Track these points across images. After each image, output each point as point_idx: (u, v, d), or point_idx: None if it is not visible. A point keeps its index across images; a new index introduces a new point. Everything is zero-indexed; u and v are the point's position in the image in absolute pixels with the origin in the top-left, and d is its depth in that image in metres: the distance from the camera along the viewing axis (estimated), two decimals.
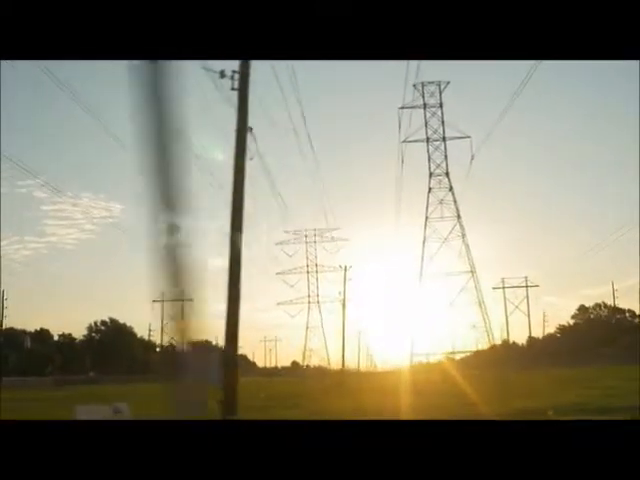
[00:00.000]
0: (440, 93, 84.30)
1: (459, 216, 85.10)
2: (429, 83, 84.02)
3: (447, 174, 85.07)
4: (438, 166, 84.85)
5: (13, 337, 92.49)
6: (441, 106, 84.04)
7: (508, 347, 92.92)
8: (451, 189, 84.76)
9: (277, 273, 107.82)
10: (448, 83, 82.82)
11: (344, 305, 62.21)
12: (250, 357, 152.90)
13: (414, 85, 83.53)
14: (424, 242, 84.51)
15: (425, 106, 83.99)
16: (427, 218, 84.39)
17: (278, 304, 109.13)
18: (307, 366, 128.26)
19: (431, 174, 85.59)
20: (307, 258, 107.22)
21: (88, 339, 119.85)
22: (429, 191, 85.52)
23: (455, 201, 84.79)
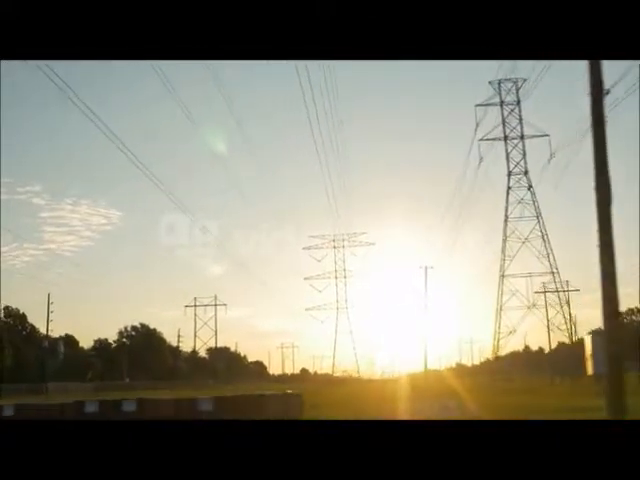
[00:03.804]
0: (517, 90, 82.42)
1: (539, 215, 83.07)
2: (506, 80, 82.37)
3: (526, 173, 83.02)
4: (517, 164, 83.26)
5: (39, 343, 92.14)
6: (518, 103, 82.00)
7: (533, 353, 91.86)
8: (530, 188, 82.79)
9: (305, 278, 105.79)
10: (525, 80, 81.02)
11: (426, 308, 60.21)
12: (266, 363, 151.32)
13: (490, 82, 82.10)
14: (505, 241, 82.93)
15: (502, 103, 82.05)
16: (507, 217, 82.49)
17: (306, 309, 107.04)
18: (316, 373, 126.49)
19: (510, 173, 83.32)
20: (335, 263, 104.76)
21: (120, 345, 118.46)
22: (508, 190, 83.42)
23: (535, 200, 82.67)
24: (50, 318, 75.89)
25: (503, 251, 79.08)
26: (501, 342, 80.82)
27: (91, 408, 20.35)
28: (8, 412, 20.34)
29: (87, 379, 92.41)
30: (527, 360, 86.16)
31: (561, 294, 79.61)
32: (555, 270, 78.69)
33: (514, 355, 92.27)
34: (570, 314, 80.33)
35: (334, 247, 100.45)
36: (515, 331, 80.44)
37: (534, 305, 78.82)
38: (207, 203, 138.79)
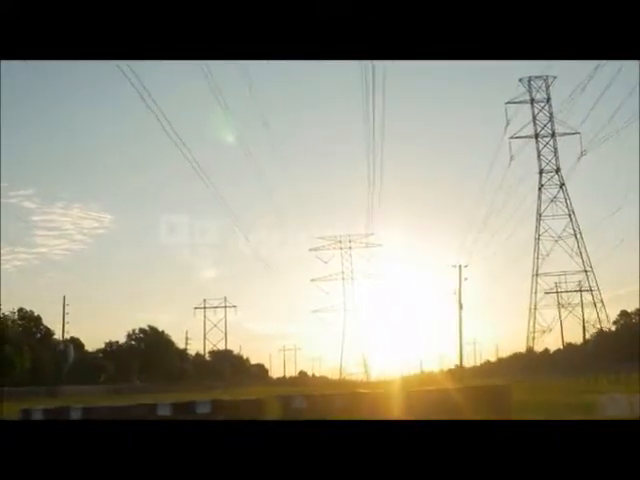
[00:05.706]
0: (547, 88, 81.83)
1: (572, 213, 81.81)
2: (536, 78, 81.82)
3: (558, 170, 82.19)
4: (548, 162, 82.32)
5: (53, 345, 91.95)
6: (548, 100, 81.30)
7: (536, 354, 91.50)
8: (562, 186, 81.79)
9: (312, 280, 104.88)
10: (555, 78, 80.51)
11: (460, 306, 59.05)
12: (267, 366, 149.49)
13: (520, 80, 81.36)
14: (538, 240, 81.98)
15: (533, 101, 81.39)
16: (540, 215, 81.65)
17: (313, 311, 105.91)
18: (313, 375, 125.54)
19: (541, 171, 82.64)
20: (342, 264, 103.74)
21: (128, 347, 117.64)
22: (540, 188, 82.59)
23: (567, 198, 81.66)
24: (50, 321, 75.54)
25: (536, 249, 78.25)
26: (533, 341, 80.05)
27: (297, 404, 20.51)
28: (204, 409, 19.71)
29: (99, 382, 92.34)
30: (528, 361, 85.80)
31: (584, 294, 78.81)
32: (589, 268, 77.43)
33: (517, 357, 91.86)
34: (606, 313, 79.29)
35: (341, 248, 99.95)
36: (550, 330, 79.55)
37: (563, 305, 78.06)
38: (209, 202, 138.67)
